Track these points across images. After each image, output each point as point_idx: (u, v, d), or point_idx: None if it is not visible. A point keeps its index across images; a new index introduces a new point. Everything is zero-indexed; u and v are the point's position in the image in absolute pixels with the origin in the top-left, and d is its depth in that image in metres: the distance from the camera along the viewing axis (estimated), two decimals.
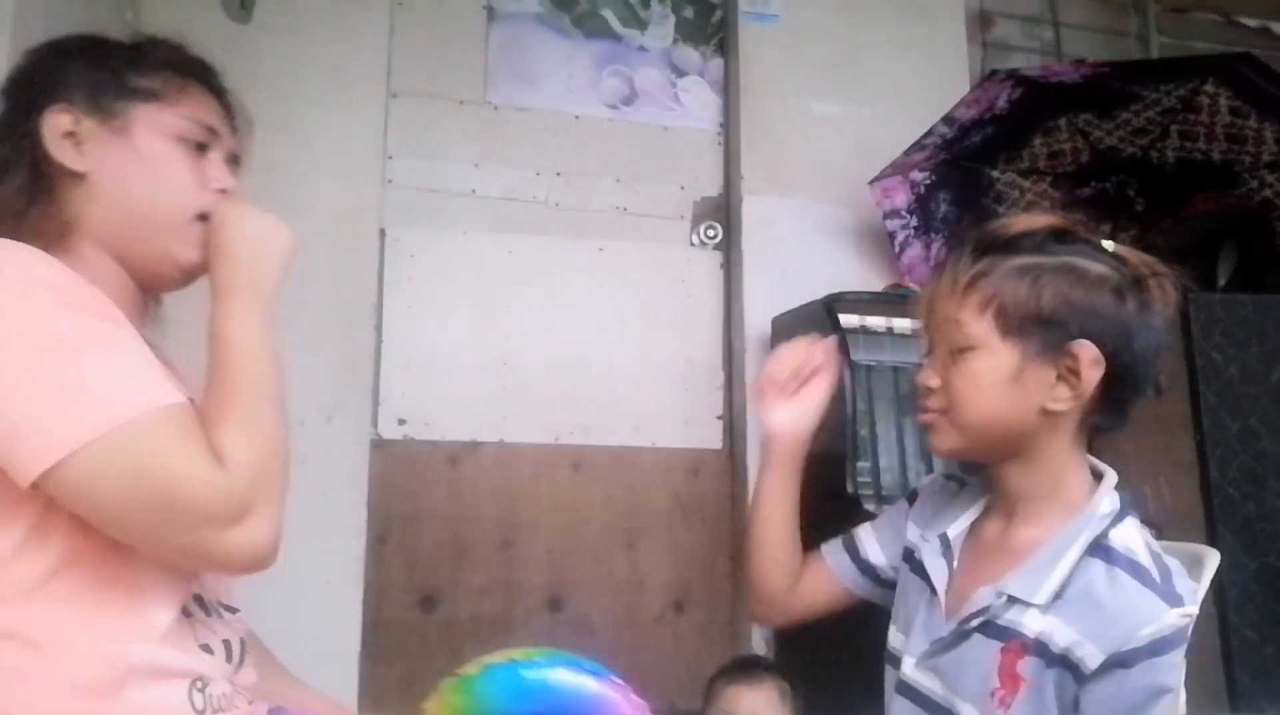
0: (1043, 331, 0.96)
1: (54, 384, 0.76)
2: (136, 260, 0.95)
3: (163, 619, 0.86)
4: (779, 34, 2.87)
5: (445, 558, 2.39)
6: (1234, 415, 1.91)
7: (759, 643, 2.50)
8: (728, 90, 2.81)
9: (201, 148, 0.97)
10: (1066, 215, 1.03)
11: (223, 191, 0.97)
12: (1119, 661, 0.88)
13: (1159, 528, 1.91)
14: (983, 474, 1.10)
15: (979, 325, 0.98)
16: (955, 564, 1.05)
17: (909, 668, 1.05)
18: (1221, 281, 2.28)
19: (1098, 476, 1.02)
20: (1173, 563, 0.95)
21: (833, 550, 1.25)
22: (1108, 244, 1.01)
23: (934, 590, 1.05)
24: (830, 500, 2.25)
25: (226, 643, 0.94)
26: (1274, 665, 1.80)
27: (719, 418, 2.67)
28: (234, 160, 1.01)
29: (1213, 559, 1.10)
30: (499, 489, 2.47)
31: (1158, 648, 0.87)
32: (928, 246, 2.67)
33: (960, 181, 2.64)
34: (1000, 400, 0.97)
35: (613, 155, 2.71)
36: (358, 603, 2.26)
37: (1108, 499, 0.98)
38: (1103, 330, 0.95)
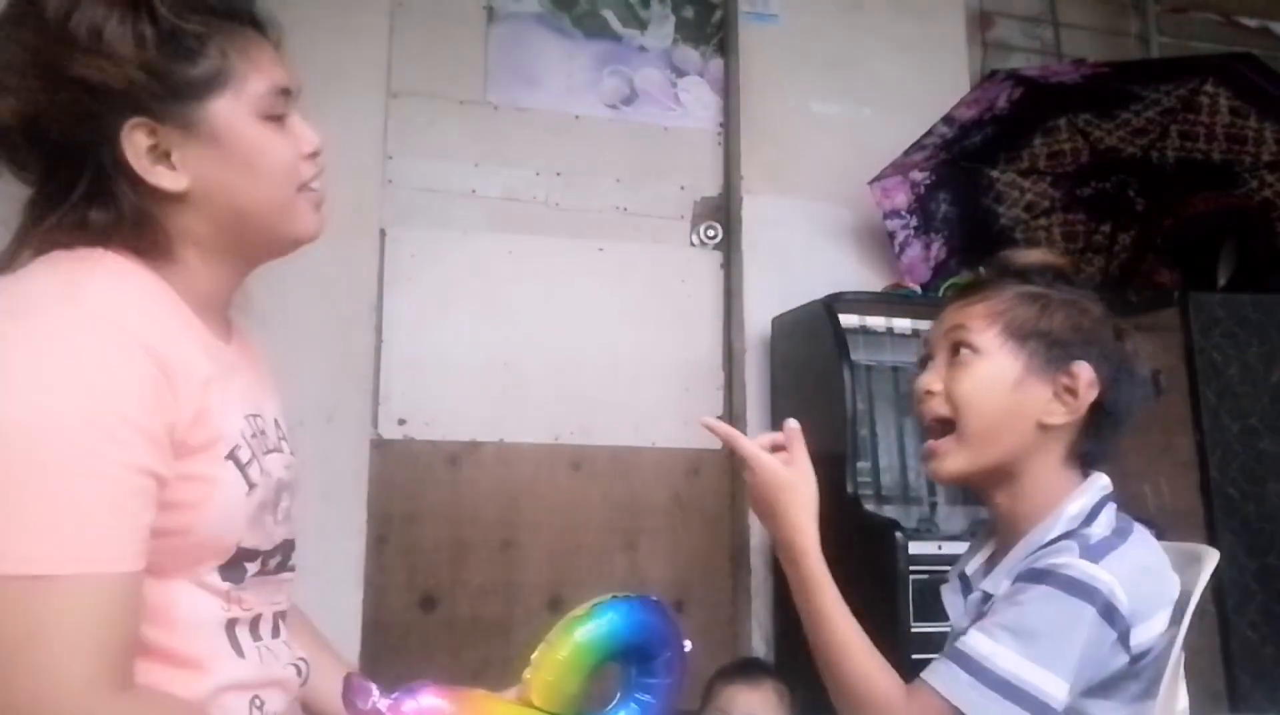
0: (1047, 348, 1.01)
1: (15, 498, 0.70)
2: (246, 251, 0.91)
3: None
4: (779, 34, 2.87)
5: (445, 558, 2.39)
6: (1234, 415, 1.91)
7: (759, 643, 2.50)
8: (728, 90, 2.81)
9: (280, 116, 0.91)
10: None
11: (314, 154, 0.93)
12: (1015, 577, 0.95)
13: (1159, 528, 1.91)
14: (989, 518, 1.11)
15: (986, 333, 1.02)
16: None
17: None
18: (1221, 281, 2.28)
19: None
20: (1140, 556, 0.96)
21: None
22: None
23: (954, 623, 1.08)
24: (830, 500, 2.25)
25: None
26: (1274, 665, 1.80)
27: (719, 418, 2.67)
28: (297, 92, 0.95)
29: (1211, 558, 1.10)
30: (499, 489, 2.47)
31: (1041, 576, 0.91)
32: (928, 246, 2.67)
33: (960, 181, 2.65)
34: (999, 404, 1.01)
35: (613, 155, 2.71)
36: (358, 603, 2.26)
37: (1080, 501, 1.00)
38: (1102, 358, 1.01)
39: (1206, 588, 1.06)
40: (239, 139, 0.87)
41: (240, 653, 0.86)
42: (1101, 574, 0.90)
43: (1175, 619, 0.96)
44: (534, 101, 2.69)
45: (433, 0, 2.64)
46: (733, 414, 2.65)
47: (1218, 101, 2.31)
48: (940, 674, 0.91)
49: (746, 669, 1.93)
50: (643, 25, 2.81)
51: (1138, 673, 0.94)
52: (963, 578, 1.10)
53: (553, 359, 2.57)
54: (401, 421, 2.44)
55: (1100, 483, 1.03)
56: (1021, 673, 0.87)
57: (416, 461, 2.42)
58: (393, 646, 2.30)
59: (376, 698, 0.82)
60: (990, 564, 1.07)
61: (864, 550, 2.07)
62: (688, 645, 0.99)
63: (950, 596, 1.10)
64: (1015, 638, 0.89)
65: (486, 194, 2.61)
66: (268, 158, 0.88)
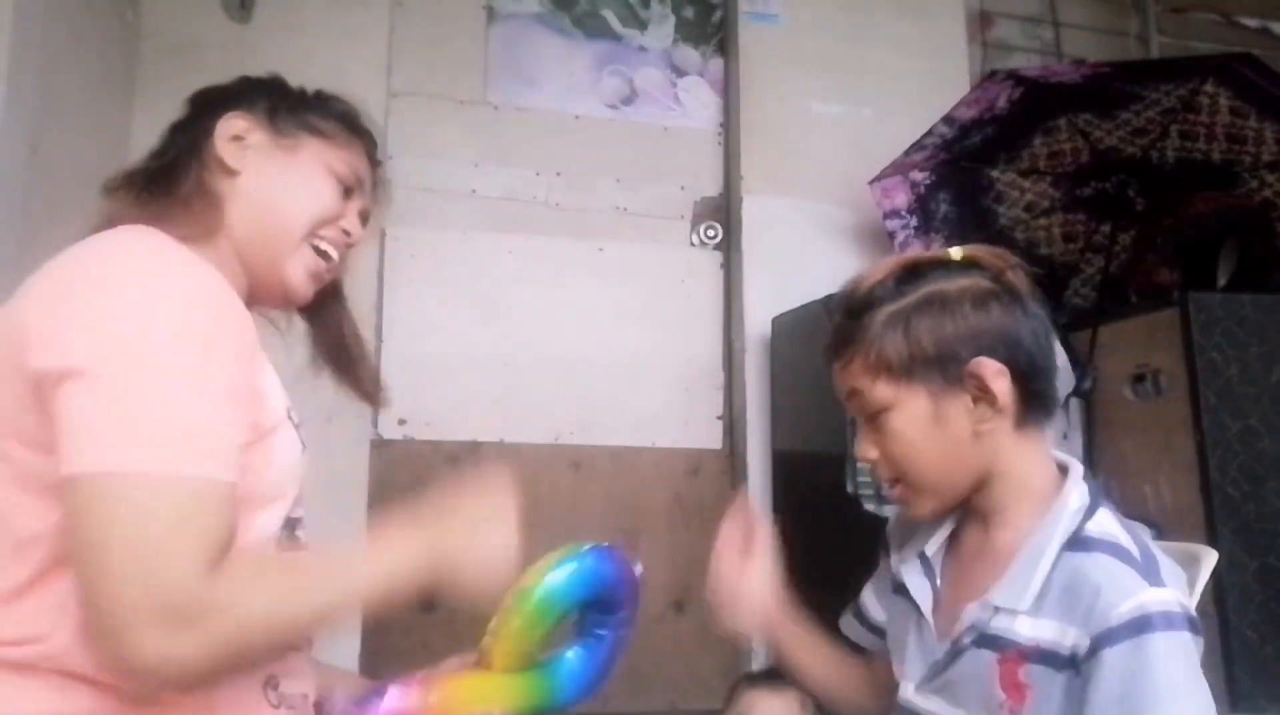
0: (937, 368, 0.97)
1: (135, 404, 0.76)
2: (255, 266, 0.99)
3: None
4: (779, 34, 2.87)
5: None
6: (1234, 415, 1.91)
7: (759, 643, 2.50)
8: (728, 90, 2.81)
9: (348, 193, 1.03)
10: (953, 244, 1.05)
11: (346, 234, 1.04)
12: (1104, 639, 0.85)
13: (1159, 528, 1.92)
14: None
15: (878, 388, 0.99)
16: (939, 581, 1.05)
17: (909, 693, 1.03)
18: (1221, 281, 2.28)
19: (1064, 470, 1.01)
20: (1159, 554, 0.93)
21: (849, 625, 1.24)
22: (955, 252, 1.03)
23: (920, 611, 1.04)
24: (830, 500, 2.25)
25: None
26: (1274, 665, 1.79)
27: (719, 418, 2.67)
28: (364, 216, 1.07)
29: (1210, 558, 1.10)
30: None
31: (1141, 626, 0.84)
32: (928, 247, 2.66)
33: (960, 181, 2.64)
34: (934, 446, 0.98)
35: (613, 155, 2.71)
36: None
37: (1076, 492, 0.97)
38: (989, 342, 0.97)
39: (1206, 588, 1.06)
40: (307, 166, 1.01)
41: None
42: (1176, 596, 0.87)
43: None
44: (534, 101, 2.69)
45: (433, 0, 2.64)
46: (732, 414, 2.65)
47: (1218, 101, 2.31)
48: None
49: (771, 676, 1.94)
50: (643, 25, 2.81)
51: None
52: (923, 558, 1.07)
53: (553, 359, 2.56)
54: (401, 421, 2.44)
55: (1080, 472, 1.00)
56: None
57: (416, 461, 2.42)
58: (393, 646, 2.29)
59: (342, 709, 0.86)
60: (959, 555, 1.05)
61: (864, 550, 2.07)
62: (639, 570, 1.03)
63: (915, 579, 1.07)
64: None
65: (486, 194, 2.61)
66: (316, 191, 1.01)
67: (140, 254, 0.85)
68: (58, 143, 1.88)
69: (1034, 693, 0.90)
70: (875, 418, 1.00)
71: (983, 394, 0.96)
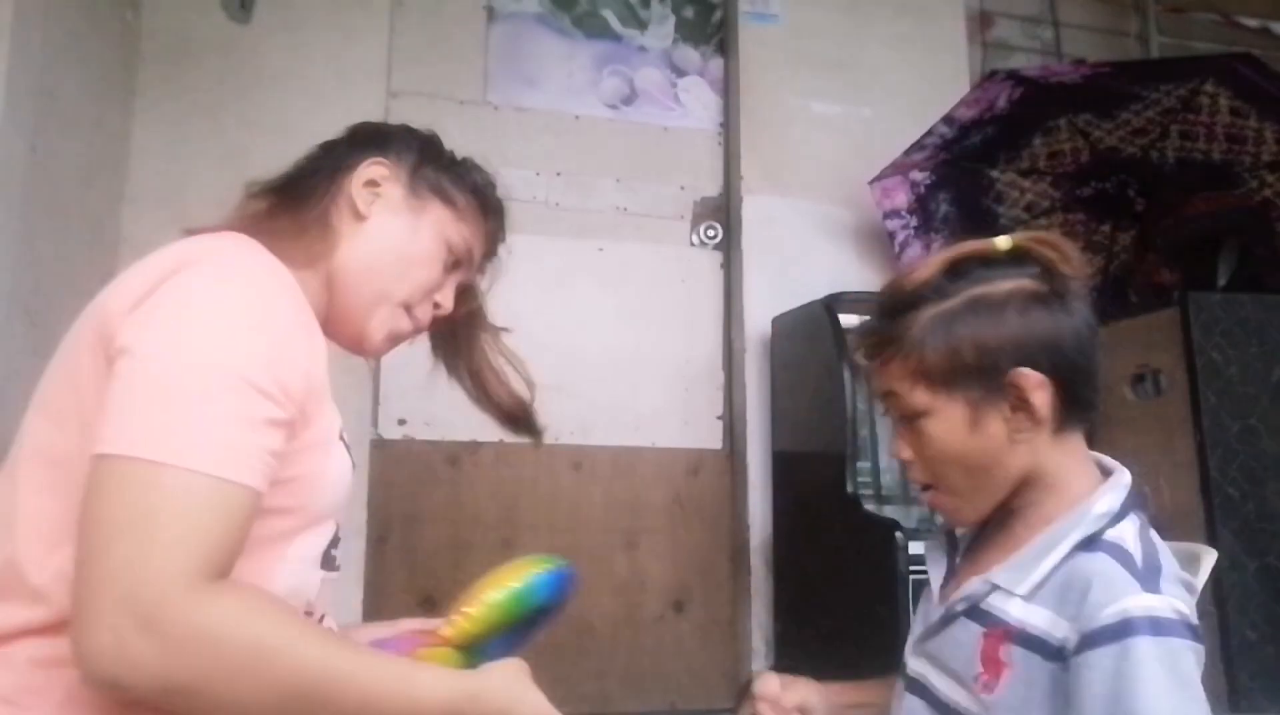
0: (977, 378, 0.96)
1: (173, 394, 0.75)
2: (341, 307, 1.01)
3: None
4: (779, 34, 2.87)
5: (445, 558, 2.39)
6: (1234, 415, 1.90)
7: (759, 643, 2.50)
8: (728, 90, 2.81)
9: (455, 265, 1.05)
10: (952, 244, 1.01)
11: (438, 306, 1.05)
12: (1089, 639, 0.85)
13: (1158, 528, 1.91)
14: None
15: (916, 394, 0.98)
16: (958, 559, 1.06)
17: (908, 655, 1.06)
18: (1221, 281, 2.28)
19: (1108, 473, 1.01)
20: (1171, 563, 0.93)
21: None
22: (1002, 241, 0.99)
23: (932, 583, 1.06)
24: (830, 500, 2.25)
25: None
26: (1274, 665, 1.79)
27: (719, 418, 2.67)
28: (463, 289, 1.09)
29: (1210, 557, 1.10)
30: (499, 489, 2.47)
31: (1124, 630, 0.84)
32: (928, 246, 2.67)
33: (960, 181, 2.64)
34: (970, 453, 0.97)
35: (613, 155, 2.71)
36: (358, 603, 2.26)
37: (1108, 497, 0.96)
38: (1031, 352, 0.95)
39: (1206, 588, 1.06)
40: (426, 232, 1.03)
41: None
42: (1174, 604, 0.86)
43: None
44: (534, 101, 2.69)
45: (433, 0, 2.64)
46: (733, 414, 2.65)
47: (1218, 101, 2.31)
48: None
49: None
50: (643, 25, 2.81)
51: None
52: (950, 536, 1.08)
53: (552, 359, 2.56)
54: (401, 421, 2.44)
55: (1124, 480, 0.98)
56: None
57: (416, 461, 2.42)
58: None
59: None
60: (984, 538, 1.05)
61: (864, 550, 2.08)
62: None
63: (934, 554, 1.08)
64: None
65: None
66: (423, 261, 1.02)
67: (231, 260, 0.85)
68: (58, 143, 1.88)
69: (1010, 673, 0.91)
70: (911, 421, 0.99)
71: (1022, 404, 0.95)
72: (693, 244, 2.75)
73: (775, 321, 2.62)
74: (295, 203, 0.99)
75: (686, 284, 2.71)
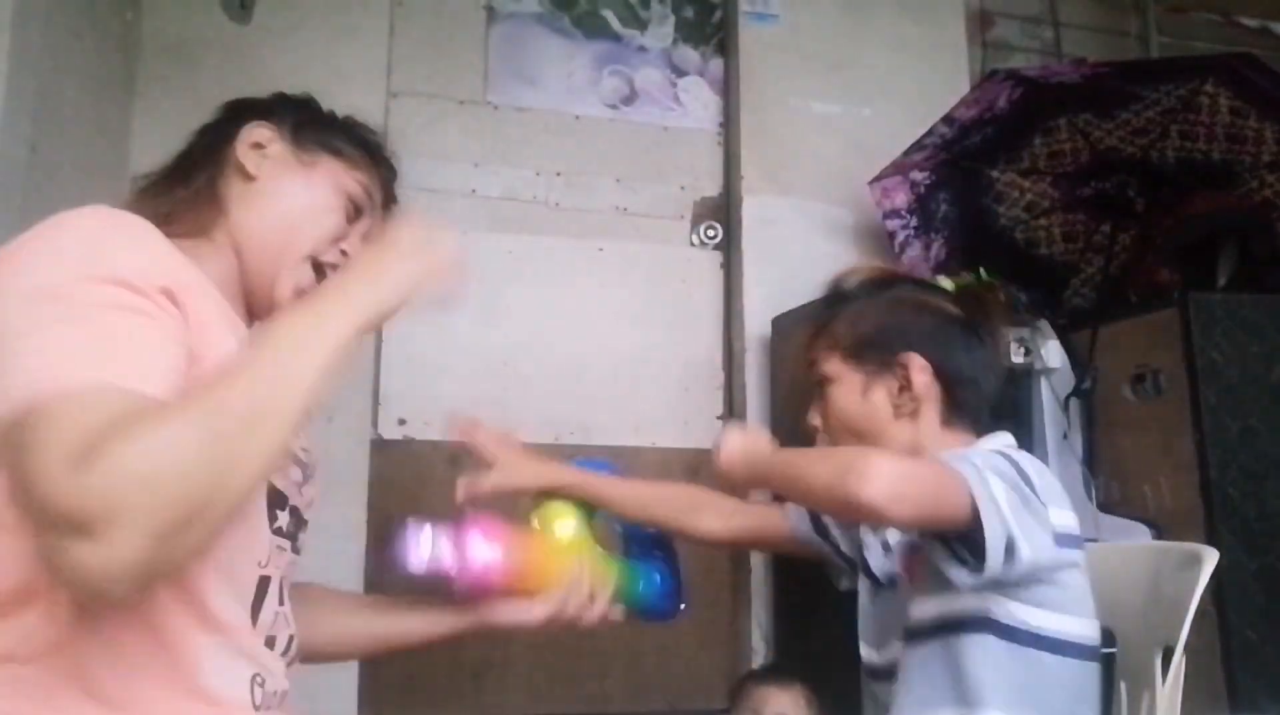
0: (875, 353, 1.18)
1: (37, 337, 0.73)
2: (250, 271, 1.01)
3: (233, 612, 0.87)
4: (779, 34, 2.87)
5: None
6: (1234, 415, 1.90)
7: (759, 642, 2.50)
8: (728, 90, 2.81)
9: (357, 213, 1.07)
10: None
11: (345, 255, 1.05)
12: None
13: (1159, 528, 1.92)
14: None
15: (831, 361, 1.22)
16: (898, 568, 1.21)
17: (866, 654, 1.24)
18: (1221, 281, 2.28)
19: None
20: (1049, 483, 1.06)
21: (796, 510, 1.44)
22: (944, 281, 1.29)
23: (876, 581, 1.22)
24: None
25: (290, 637, 0.98)
26: (1274, 665, 1.79)
27: (719, 418, 2.67)
28: (367, 237, 1.09)
29: (1211, 558, 1.10)
30: None
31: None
32: (928, 246, 2.67)
33: (960, 181, 2.64)
34: (858, 419, 1.19)
35: (613, 155, 2.71)
36: None
37: (978, 447, 1.13)
38: (926, 348, 1.16)
39: (1206, 588, 1.06)
40: (321, 185, 1.04)
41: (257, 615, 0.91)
42: (973, 456, 1.03)
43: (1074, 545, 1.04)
44: (534, 101, 2.69)
45: (433, 0, 2.64)
46: (733, 414, 2.65)
47: (1218, 101, 2.31)
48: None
49: (777, 671, 1.99)
50: (643, 25, 2.81)
51: (1056, 576, 1.01)
52: (884, 545, 1.26)
53: (553, 359, 2.56)
54: (401, 421, 2.44)
55: (1003, 440, 1.16)
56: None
57: (416, 461, 2.42)
58: (393, 677, 2.29)
59: (431, 550, 1.08)
60: None
61: None
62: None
63: (877, 560, 1.25)
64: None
65: (486, 194, 2.61)
66: (323, 211, 1.03)
67: (88, 217, 0.84)
68: (58, 143, 1.88)
69: (923, 565, 1.09)
70: (822, 389, 1.22)
71: (907, 383, 1.15)
72: (693, 244, 2.75)
73: (775, 322, 2.62)
74: (179, 181, 1.02)
75: (686, 284, 2.71)
